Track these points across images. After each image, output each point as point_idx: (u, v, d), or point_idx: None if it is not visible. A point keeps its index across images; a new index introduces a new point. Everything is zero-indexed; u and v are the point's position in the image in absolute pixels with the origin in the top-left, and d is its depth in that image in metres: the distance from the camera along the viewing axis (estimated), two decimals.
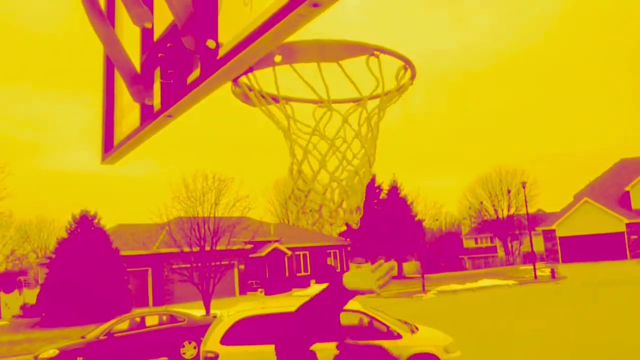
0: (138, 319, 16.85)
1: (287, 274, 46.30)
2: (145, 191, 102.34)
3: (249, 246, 42.20)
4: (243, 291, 40.79)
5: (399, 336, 10.89)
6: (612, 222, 49.62)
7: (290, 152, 2.13)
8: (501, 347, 14.35)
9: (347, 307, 13.06)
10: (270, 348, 10.08)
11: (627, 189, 52.75)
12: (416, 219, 52.37)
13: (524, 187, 40.35)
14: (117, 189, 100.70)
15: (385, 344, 11.07)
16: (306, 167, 2.09)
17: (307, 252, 50.24)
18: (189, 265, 26.34)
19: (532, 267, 39.60)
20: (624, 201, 52.62)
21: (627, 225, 49.21)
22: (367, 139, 2.20)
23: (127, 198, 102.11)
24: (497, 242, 74.74)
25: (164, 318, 17.07)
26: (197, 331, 15.61)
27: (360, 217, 4.60)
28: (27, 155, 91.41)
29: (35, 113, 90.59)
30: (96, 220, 33.11)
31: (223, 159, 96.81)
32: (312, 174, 2.10)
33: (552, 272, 37.18)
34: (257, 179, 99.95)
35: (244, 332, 10.81)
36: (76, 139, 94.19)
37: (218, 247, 26.55)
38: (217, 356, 10.53)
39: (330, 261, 51.91)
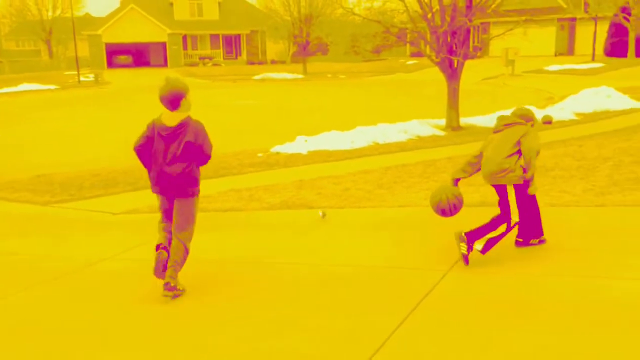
0: None
1: None
2: None
3: None
4: None
5: None
6: (156, 31, 52.02)
7: None
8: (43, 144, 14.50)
9: None
10: None
11: (171, 0, 55.38)
12: None
13: None
14: None
15: None
16: None
17: None
18: None
19: (76, 72, 39.15)
20: (169, 12, 55.25)
21: (169, 35, 52.42)
22: None
23: None
24: (42, 46, 69.99)
25: None
26: None
27: None
28: None
29: None
30: None
31: None
32: None
33: (96, 77, 37.75)
34: None
35: None
36: None
37: None
38: None
39: None
